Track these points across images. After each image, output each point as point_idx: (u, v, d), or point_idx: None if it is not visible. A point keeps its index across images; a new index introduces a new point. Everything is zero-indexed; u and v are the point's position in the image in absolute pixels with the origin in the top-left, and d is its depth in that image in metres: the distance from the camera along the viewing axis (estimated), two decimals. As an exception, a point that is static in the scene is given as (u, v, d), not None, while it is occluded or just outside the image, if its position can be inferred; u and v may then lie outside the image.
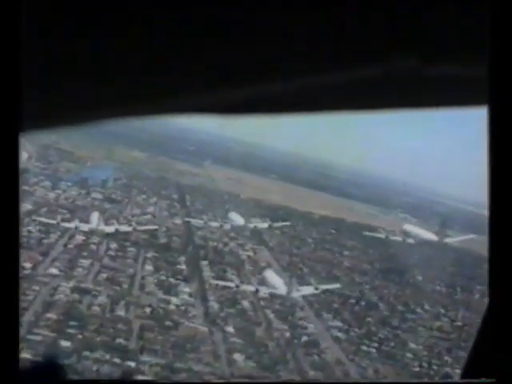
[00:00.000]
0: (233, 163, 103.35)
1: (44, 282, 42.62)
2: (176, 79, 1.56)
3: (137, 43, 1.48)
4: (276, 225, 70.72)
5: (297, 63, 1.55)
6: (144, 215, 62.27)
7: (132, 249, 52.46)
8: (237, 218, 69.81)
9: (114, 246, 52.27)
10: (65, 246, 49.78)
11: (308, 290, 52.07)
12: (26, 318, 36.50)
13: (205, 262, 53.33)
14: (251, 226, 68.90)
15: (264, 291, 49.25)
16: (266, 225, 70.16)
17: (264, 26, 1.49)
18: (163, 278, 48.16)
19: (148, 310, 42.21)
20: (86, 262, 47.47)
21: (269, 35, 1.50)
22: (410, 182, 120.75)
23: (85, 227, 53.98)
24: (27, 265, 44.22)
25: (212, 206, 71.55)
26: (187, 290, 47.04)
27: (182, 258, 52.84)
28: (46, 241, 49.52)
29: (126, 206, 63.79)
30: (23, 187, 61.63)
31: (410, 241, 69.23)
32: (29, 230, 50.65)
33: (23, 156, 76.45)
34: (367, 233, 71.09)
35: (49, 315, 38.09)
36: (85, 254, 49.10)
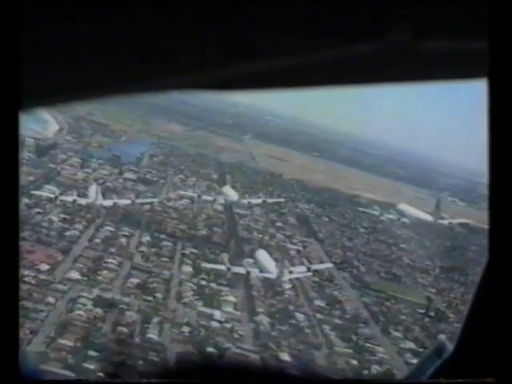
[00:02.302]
0: (273, 138, 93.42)
1: (61, 290, 32.92)
2: (175, 57, 1.51)
3: (135, 23, 1.43)
4: (323, 211, 60.68)
5: (291, 40, 1.50)
6: (181, 199, 52.16)
7: (167, 243, 42.55)
8: (281, 203, 59.98)
9: (146, 239, 42.38)
10: (90, 240, 39.92)
11: (369, 299, 42.14)
12: (34, 347, 26.93)
13: (250, 261, 43.21)
14: (297, 211, 58.91)
15: (320, 304, 39.21)
16: (312, 210, 60.15)
17: (259, 4, 1.45)
18: (203, 282, 38.24)
19: (186, 329, 32.34)
20: (113, 262, 37.63)
21: (263, 13, 1.45)
22: (452, 162, 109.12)
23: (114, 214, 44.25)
24: (44, 266, 34.55)
25: (254, 189, 61.27)
26: (232, 299, 37.10)
27: (225, 255, 42.77)
28: (68, 233, 39.69)
29: (161, 189, 53.72)
30: (49, 165, 51.85)
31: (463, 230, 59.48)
32: (50, 219, 40.90)
33: (53, 128, 66.68)
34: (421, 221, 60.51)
35: (63, 341, 28.35)
36: (112, 250, 39.22)
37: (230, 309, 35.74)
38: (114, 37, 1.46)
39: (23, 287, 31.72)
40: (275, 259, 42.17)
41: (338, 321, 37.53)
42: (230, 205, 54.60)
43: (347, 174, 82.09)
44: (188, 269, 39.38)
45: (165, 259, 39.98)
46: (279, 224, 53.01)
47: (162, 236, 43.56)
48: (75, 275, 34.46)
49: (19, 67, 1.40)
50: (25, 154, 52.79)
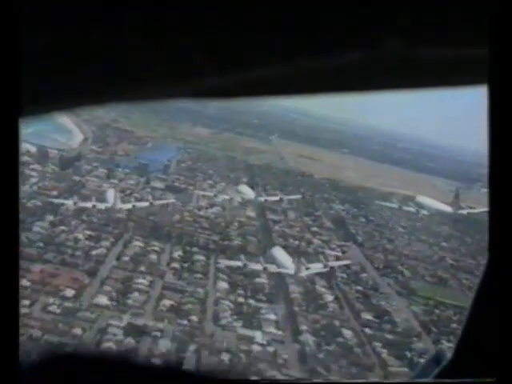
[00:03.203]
0: (300, 136, 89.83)
1: (89, 319, 29.41)
2: (177, 63, 1.48)
3: (135, 29, 1.41)
4: (359, 211, 56.82)
5: (284, 48, 1.48)
6: (212, 207, 48.57)
7: (200, 257, 38.93)
8: (315, 205, 56.23)
9: (178, 253, 38.80)
10: (118, 258, 36.43)
11: (417, 307, 38.28)
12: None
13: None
14: (332, 213, 55.07)
15: (368, 317, 35.35)
16: (348, 211, 56.31)
17: (255, 12, 1.42)
18: (241, 299, 34.57)
19: (226, 357, 28.68)
20: (143, 282, 34.10)
21: (262, 21, 1.43)
22: (482, 152, 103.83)
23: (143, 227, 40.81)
24: (69, 292, 31.10)
25: (286, 191, 57.48)
26: (272, 316, 33.40)
27: (262, 267, 39.05)
28: (95, 252, 36.24)
29: (190, 197, 50.12)
30: (74, 177, 48.53)
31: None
32: (75, 237, 37.51)
33: (78, 138, 63.47)
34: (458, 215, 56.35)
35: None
36: (142, 268, 35.69)
37: (271, 329, 32.05)
38: (112, 44, 1.41)
39: (47, 318, 28.35)
40: (292, 256, 39.33)
41: (389, 336, 33.65)
42: (263, 210, 51.02)
43: (379, 170, 78.03)
44: (223, 285, 35.73)
45: (198, 275, 36.40)
46: (315, 229, 49.18)
47: (194, 249, 39.97)
48: (103, 300, 30.96)
49: (19, 73, 1.36)
50: (48, 168, 49.69)
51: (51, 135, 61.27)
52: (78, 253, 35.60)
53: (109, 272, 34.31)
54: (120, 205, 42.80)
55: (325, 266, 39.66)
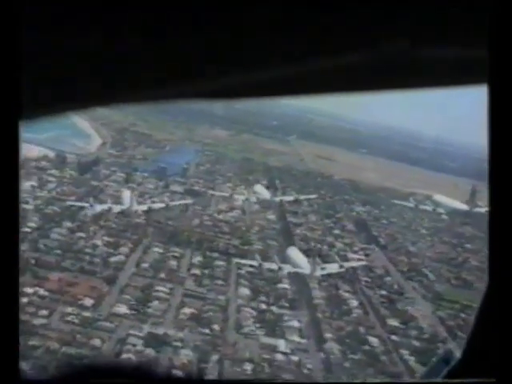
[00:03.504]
0: (318, 137, 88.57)
1: (108, 329, 28.41)
2: (178, 65, 1.49)
3: (135, 30, 1.41)
4: (381, 213, 55.51)
5: (287, 49, 1.48)
6: (231, 211, 47.50)
7: (221, 262, 37.87)
8: (335, 207, 55.00)
9: (198, 259, 37.78)
10: (137, 264, 35.46)
11: (444, 312, 36.97)
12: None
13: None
14: (353, 215, 53.80)
15: (394, 323, 34.09)
16: (369, 213, 55.03)
17: (256, 15, 1.42)
18: (263, 306, 33.46)
19: (249, 367, 27.58)
20: (163, 290, 33.08)
21: (263, 24, 1.43)
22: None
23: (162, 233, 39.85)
24: (88, 301, 30.15)
25: (306, 193, 56.23)
26: (296, 324, 32.27)
27: (284, 272, 37.94)
28: (113, 259, 35.29)
29: (210, 200, 49.09)
30: (92, 182, 47.69)
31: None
32: (94, 243, 36.60)
33: (96, 142, 62.70)
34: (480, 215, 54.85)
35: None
36: (162, 275, 34.69)
37: (295, 337, 30.90)
38: (112, 45, 1.41)
39: (65, 328, 27.41)
40: (307, 255, 38.56)
41: (415, 343, 32.39)
42: (283, 212, 49.91)
43: (399, 170, 76.65)
44: (245, 291, 34.64)
45: (219, 282, 35.33)
46: (337, 231, 47.93)
47: (215, 254, 38.91)
48: (123, 310, 29.98)
49: (19, 75, 1.36)
50: (66, 173, 48.88)
51: (69, 140, 60.61)
52: (97, 260, 34.67)
53: (128, 279, 33.36)
54: (136, 206, 42.17)
55: (340, 267, 38.77)
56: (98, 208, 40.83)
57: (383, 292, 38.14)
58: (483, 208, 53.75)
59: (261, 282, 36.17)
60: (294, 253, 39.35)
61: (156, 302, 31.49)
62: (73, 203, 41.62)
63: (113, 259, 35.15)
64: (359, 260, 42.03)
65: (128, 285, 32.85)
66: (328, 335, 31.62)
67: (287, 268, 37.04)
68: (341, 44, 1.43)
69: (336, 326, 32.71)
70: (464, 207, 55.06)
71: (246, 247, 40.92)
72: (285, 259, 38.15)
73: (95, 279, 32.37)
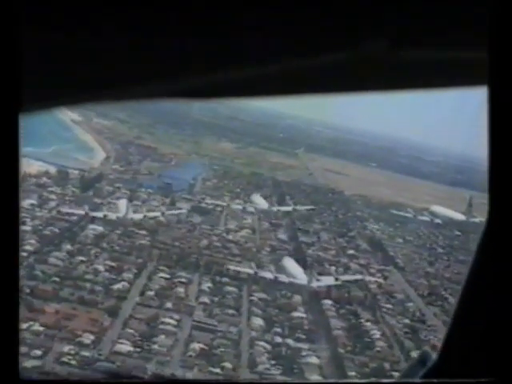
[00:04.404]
0: (326, 150, 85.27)
1: (109, 370, 24.87)
2: (165, 64, 1.47)
3: (123, 29, 1.41)
4: (395, 231, 52.10)
5: (267, 49, 1.45)
6: (241, 230, 44.07)
7: (231, 288, 34.41)
8: (348, 225, 51.59)
9: (207, 285, 34.31)
10: (142, 292, 31.99)
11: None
12: None
13: (328, 302, 34.91)
14: (367, 233, 50.36)
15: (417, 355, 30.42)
16: (383, 231, 51.63)
17: (242, 14, 1.40)
18: (279, 339, 29.95)
19: (266, 414, 24.01)
20: (170, 322, 29.57)
21: (248, 24, 1.41)
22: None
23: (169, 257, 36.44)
24: (87, 337, 26.63)
25: (317, 210, 52.85)
26: (315, 360, 28.74)
27: (298, 298, 34.50)
28: (116, 286, 31.83)
29: (218, 218, 45.70)
30: (95, 200, 44.29)
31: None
32: (95, 269, 33.16)
33: (100, 157, 59.35)
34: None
35: None
36: (169, 304, 31.21)
37: (315, 375, 27.34)
38: (99, 44, 1.39)
39: (61, 371, 23.91)
40: (302, 266, 37.45)
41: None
42: (295, 232, 46.54)
43: (410, 184, 73.28)
44: (258, 321, 31.15)
45: (230, 311, 31.84)
46: (351, 251, 44.46)
47: (225, 279, 35.43)
48: (126, 347, 26.41)
49: (19, 69, 1.35)
50: (68, 190, 45.49)
51: (72, 154, 57.29)
52: (98, 288, 31.20)
53: (132, 310, 29.89)
54: (131, 215, 40.70)
55: (336, 279, 36.78)
56: (94, 214, 39.80)
57: (406, 320, 34.67)
58: (478, 218, 50.99)
59: (274, 310, 32.71)
60: (290, 263, 37.76)
61: (162, 337, 27.97)
62: (68, 210, 39.87)
63: (115, 286, 31.68)
64: (384, 287, 38.69)
65: (132, 316, 29.39)
66: (351, 373, 28.12)
67: (282, 278, 35.39)
68: (321, 44, 1.34)
69: (359, 363, 29.24)
70: (461, 217, 53.73)
71: (258, 270, 37.43)
72: (278, 269, 36.57)
73: (96, 311, 28.94)
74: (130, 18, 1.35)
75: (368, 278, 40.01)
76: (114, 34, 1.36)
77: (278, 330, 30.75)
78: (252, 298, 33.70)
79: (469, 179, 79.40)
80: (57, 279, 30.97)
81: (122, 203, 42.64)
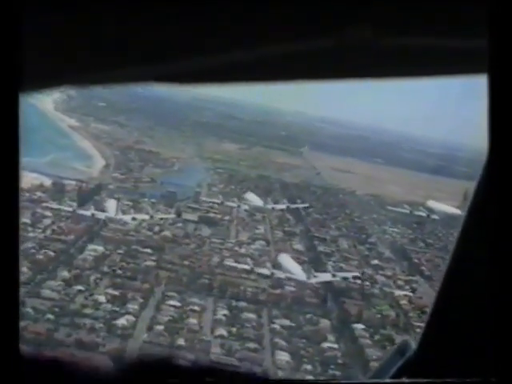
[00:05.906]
0: (330, 147, 79.78)
1: None
2: (152, 48, 1.44)
3: (110, 14, 1.37)
4: (415, 233, 46.93)
5: (252, 34, 1.41)
6: (254, 242, 38.71)
7: (250, 315, 29.10)
8: (366, 229, 46.38)
9: (223, 312, 28.97)
10: (149, 327, 26.65)
11: None
12: None
13: (360, 326, 29.61)
14: (387, 238, 45.20)
15: None
16: (403, 234, 46.46)
17: (229, 1, 1.37)
18: (311, 378, 24.64)
19: None
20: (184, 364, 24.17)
21: (235, 9, 1.37)
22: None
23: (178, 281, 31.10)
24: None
25: (331, 214, 47.63)
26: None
27: (327, 323, 29.17)
28: (120, 321, 26.48)
29: (228, 230, 40.35)
30: (93, 211, 38.83)
31: None
32: (96, 300, 27.80)
33: (99, 164, 53.83)
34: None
35: None
36: (181, 341, 25.88)
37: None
38: (86, 28, 1.37)
39: None
40: (299, 263, 35.18)
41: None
42: (311, 240, 41.28)
43: (418, 180, 67.97)
44: (284, 357, 25.86)
45: (251, 344, 26.52)
46: (375, 261, 39.15)
47: (242, 304, 30.14)
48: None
49: (19, 49, 1.31)
50: (65, 204, 39.99)
51: (70, 163, 51.87)
52: (99, 325, 25.84)
53: (139, 352, 24.56)
54: (120, 216, 37.60)
55: (333, 276, 34.30)
56: (83, 212, 36.66)
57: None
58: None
59: (301, 340, 27.41)
60: (286, 260, 35.21)
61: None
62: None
63: (120, 322, 26.31)
64: (414, 301, 33.47)
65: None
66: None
67: (279, 274, 32.77)
68: (308, 30, 1.32)
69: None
70: (456, 211, 49.11)
71: (277, 291, 32.15)
72: (275, 265, 33.91)
73: (97, 356, 23.57)
74: (114, 3, 1.29)
75: (397, 292, 34.84)
76: (95, 18, 1.27)
77: (309, 367, 25.49)
78: (274, 325, 28.38)
79: (475, 172, 74.59)
80: (51, 317, 25.63)
81: (112, 203, 39.37)
